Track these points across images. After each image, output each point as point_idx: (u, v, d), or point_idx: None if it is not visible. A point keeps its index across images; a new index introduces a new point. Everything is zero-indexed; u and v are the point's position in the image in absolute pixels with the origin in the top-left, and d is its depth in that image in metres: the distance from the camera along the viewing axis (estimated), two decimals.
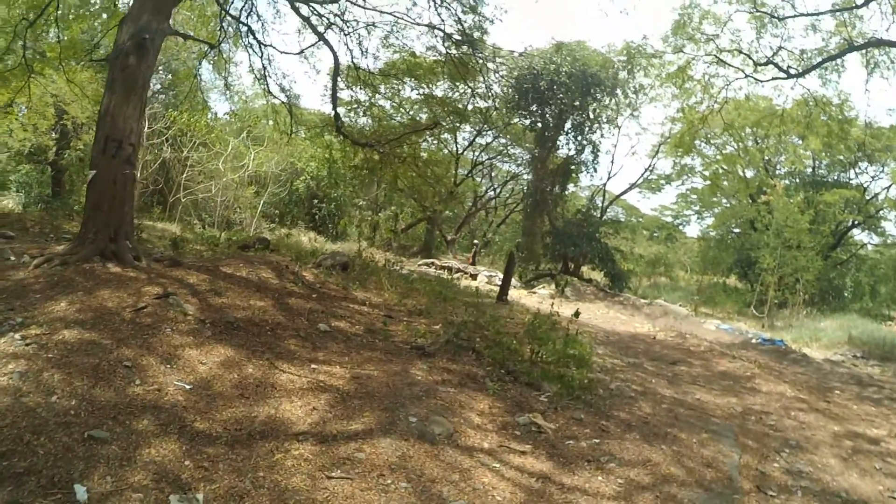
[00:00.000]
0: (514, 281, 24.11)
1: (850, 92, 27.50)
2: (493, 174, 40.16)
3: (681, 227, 44.82)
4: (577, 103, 25.53)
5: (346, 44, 18.63)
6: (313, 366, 7.28)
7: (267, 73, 16.59)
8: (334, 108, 17.03)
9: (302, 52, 16.74)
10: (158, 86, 26.36)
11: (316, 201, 31.21)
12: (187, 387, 5.96)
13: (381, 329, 9.65)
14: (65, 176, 23.42)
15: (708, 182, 37.55)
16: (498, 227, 41.66)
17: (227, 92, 28.08)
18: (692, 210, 42.07)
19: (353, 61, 16.88)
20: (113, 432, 4.90)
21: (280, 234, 21.91)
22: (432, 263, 25.15)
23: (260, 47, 16.28)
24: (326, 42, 15.47)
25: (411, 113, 32.18)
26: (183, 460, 4.79)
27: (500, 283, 23.53)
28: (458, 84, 24.40)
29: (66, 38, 16.18)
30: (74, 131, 21.35)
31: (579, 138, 27.17)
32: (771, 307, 25.57)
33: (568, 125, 26.95)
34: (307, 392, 6.47)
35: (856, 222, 34.16)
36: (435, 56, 17.64)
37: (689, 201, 41.36)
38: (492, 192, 40.78)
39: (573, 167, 27.55)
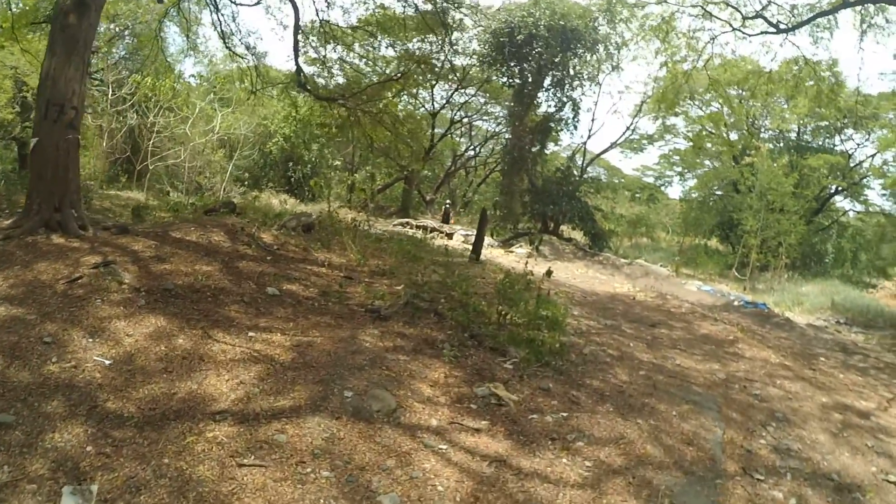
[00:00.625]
0: (491, 240, 23.34)
1: (838, 57, 26.70)
2: (472, 133, 39.12)
3: (663, 189, 44.08)
4: (556, 59, 24.40)
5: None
6: (251, 334, 6.56)
7: (230, 30, 15.64)
8: (296, 61, 16.11)
9: (259, 2, 15.76)
10: (124, 51, 25.59)
11: (291, 164, 30.18)
12: (107, 362, 5.41)
13: (336, 291, 8.91)
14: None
15: (691, 143, 36.74)
16: (478, 186, 40.70)
17: (196, 54, 26.92)
18: (674, 171, 41.25)
19: (317, 14, 15.98)
20: (20, 416, 4.48)
21: (249, 197, 20.98)
22: (408, 223, 24.25)
23: (215, 2, 15.28)
24: None
25: (388, 71, 31.33)
26: (86, 446, 4.26)
27: None
28: (430, 38, 23.37)
29: (21, 5, 15.20)
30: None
31: (559, 95, 26.03)
32: (753, 270, 24.92)
33: (547, 82, 25.73)
34: (238, 364, 5.78)
35: (839, 189, 33.57)
36: (404, 5, 16.53)
37: (672, 162, 40.49)
38: (471, 152, 39.79)
39: (552, 124, 26.50)
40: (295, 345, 6.46)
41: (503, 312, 8.81)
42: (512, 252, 21.22)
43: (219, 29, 16.06)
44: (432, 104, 32.68)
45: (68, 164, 9.25)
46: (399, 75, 19.97)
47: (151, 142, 21.89)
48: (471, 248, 18.69)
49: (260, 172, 30.54)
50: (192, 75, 28.43)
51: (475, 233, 23.96)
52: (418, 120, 29.57)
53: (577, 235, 28.07)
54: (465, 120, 37.00)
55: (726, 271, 27.03)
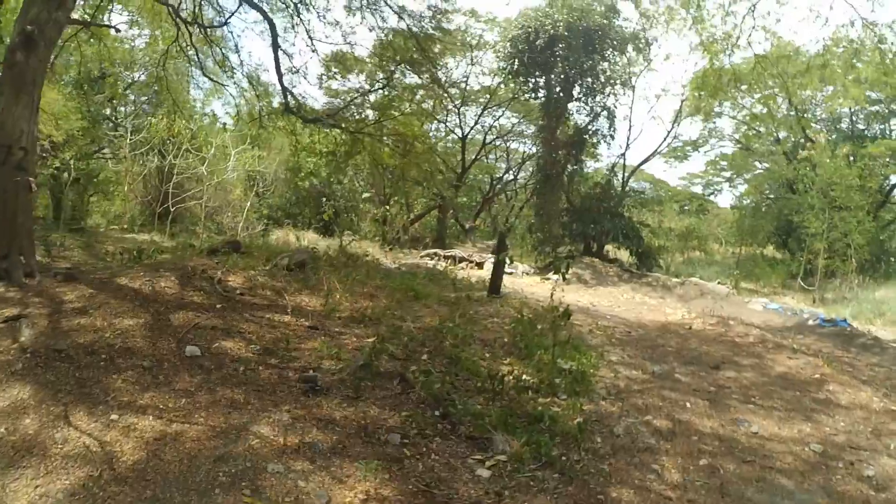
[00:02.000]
0: (524, 267, 20.62)
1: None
2: (509, 156, 36.39)
3: (711, 198, 40.30)
4: (584, 64, 21.58)
5: (298, 14, 15.17)
6: (115, 416, 4.80)
7: (233, 64, 14.01)
8: (280, 81, 14.14)
9: (226, 22, 14.24)
10: (148, 97, 25.19)
11: (324, 199, 28.11)
12: None
13: (283, 349, 6.65)
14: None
15: (739, 145, 33.26)
16: (520, 210, 37.76)
17: (218, 94, 25.11)
18: (723, 178, 37.56)
19: (309, 36, 14.09)
20: None
21: (255, 234, 19.02)
22: (435, 254, 21.66)
23: (184, 26, 13.51)
24: (253, 4, 12.49)
25: (415, 99, 29.33)
26: None
27: (508, 271, 20.01)
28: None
29: None
30: (53, 150, 19.07)
31: (591, 104, 23.20)
32: (821, 278, 21.54)
33: (577, 91, 22.95)
34: (66, 463, 4.17)
35: None
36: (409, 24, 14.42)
37: (720, 168, 36.89)
38: (510, 175, 36.98)
39: (587, 136, 23.56)
40: (157, 437, 4.58)
41: (499, 374, 6.09)
42: (549, 279, 18.43)
43: (196, 59, 14.26)
44: (461, 128, 30.11)
45: (17, 209, 8.41)
46: (385, 83, 17.42)
47: (172, 183, 20.65)
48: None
49: (294, 209, 28.68)
50: (205, 114, 26.48)
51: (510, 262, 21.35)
52: (428, 136, 26.90)
53: (624, 255, 25.00)
54: (499, 143, 34.39)
55: (789, 282, 23.65)
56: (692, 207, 39.65)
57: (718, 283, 19.23)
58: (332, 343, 7.04)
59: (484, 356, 7.13)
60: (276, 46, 13.39)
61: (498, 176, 36.53)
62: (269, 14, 13.35)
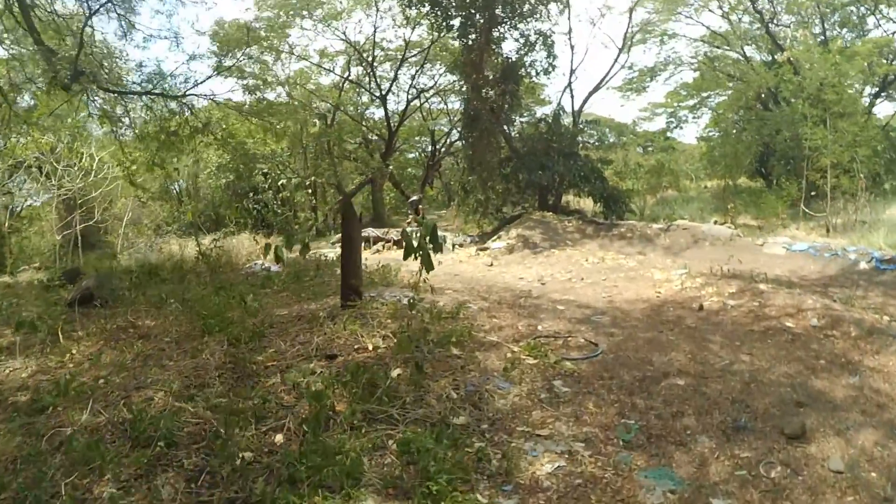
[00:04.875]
0: (455, 237, 15.67)
1: None
2: (451, 117, 31.09)
3: (674, 133, 34.85)
4: None
5: None
6: None
7: None
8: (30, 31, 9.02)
9: None
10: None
11: (252, 194, 23.48)
12: None
13: None
14: None
15: (703, 66, 28.09)
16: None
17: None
18: (686, 106, 32.04)
19: None
20: None
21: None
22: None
23: None
24: None
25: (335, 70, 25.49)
26: None
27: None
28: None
29: None
30: None
31: (521, 28, 17.86)
32: (831, 202, 16.58)
33: (501, 13, 17.55)
34: None
35: (890, 79, 24.90)
36: None
37: (683, 96, 31.47)
38: (454, 136, 31.63)
39: (522, 69, 18.19)
40: None
41: None
42: (486, 250, 13.30)
43: None
44: (378, 88, 24.77)
45: None
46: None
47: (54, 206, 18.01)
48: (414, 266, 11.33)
49: (225, 211, 23.80)
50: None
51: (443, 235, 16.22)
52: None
53: (588, 204, 19.58)
54: (440, 105, 29.41)
55: (789, 210, 18.65)
56: (657, 145, 34.40)
57: (715, 222, 14.06)
58: None
59: None
60: None
61: (440, 139, 31.30)
62: None
